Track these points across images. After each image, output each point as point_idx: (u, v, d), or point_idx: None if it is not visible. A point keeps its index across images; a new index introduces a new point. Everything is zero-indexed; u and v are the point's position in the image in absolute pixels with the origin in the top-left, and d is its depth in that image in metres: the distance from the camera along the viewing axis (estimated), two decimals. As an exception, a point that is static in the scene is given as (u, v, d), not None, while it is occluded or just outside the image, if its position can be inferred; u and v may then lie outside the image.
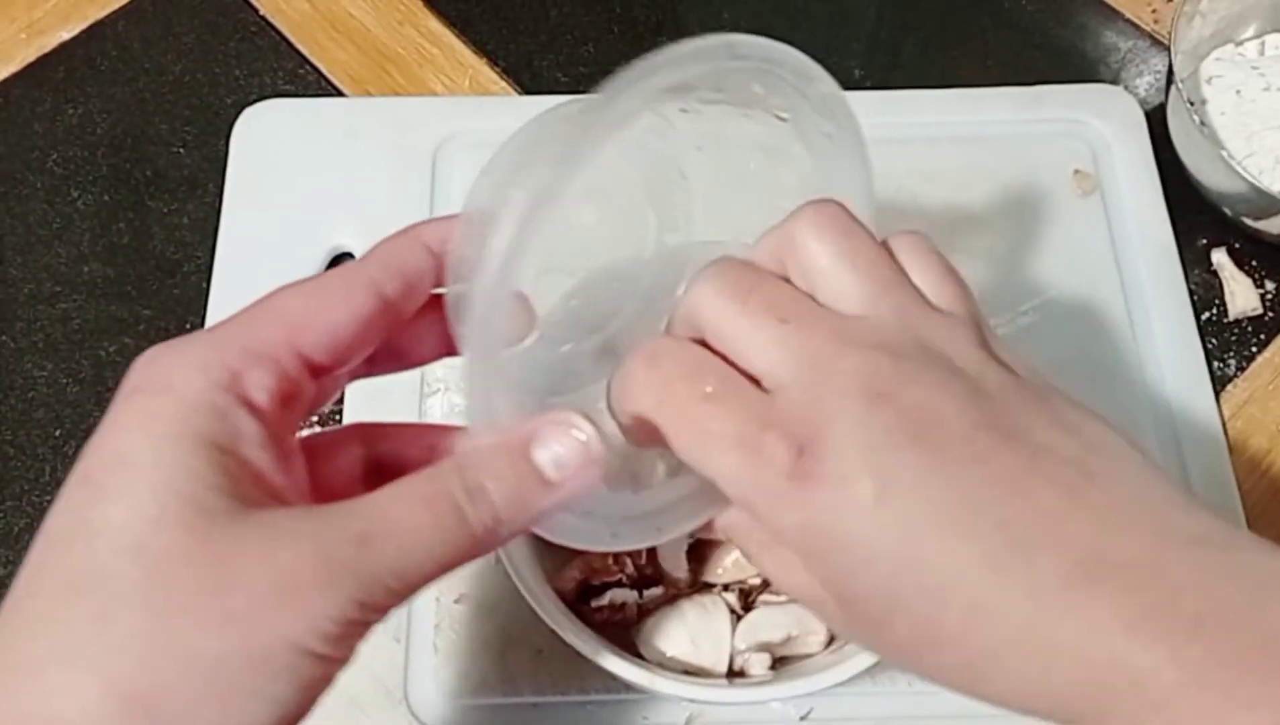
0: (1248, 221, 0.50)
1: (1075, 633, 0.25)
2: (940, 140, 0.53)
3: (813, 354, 0.27)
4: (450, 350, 0.32)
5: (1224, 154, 0.48)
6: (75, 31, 0.57)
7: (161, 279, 0.50)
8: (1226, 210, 0.51)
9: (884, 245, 0.30)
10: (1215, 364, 0.49)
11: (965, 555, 0.25)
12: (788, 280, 0.29)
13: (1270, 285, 0.51)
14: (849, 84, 0.56)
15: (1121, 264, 0.50)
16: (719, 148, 0.34)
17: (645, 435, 0.29)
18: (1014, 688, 0.26)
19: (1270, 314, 0.50)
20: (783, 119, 0.32)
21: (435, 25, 0.57)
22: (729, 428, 0.27)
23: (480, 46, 0.57)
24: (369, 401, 0.46)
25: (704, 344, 0.29)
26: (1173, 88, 0.50)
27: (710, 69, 0.31)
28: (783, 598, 0.39)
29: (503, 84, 0.56)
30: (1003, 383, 0.27)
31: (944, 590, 0.26)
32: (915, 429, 0.26)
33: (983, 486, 0.26)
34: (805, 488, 0.26)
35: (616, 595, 0.39)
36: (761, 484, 0.27)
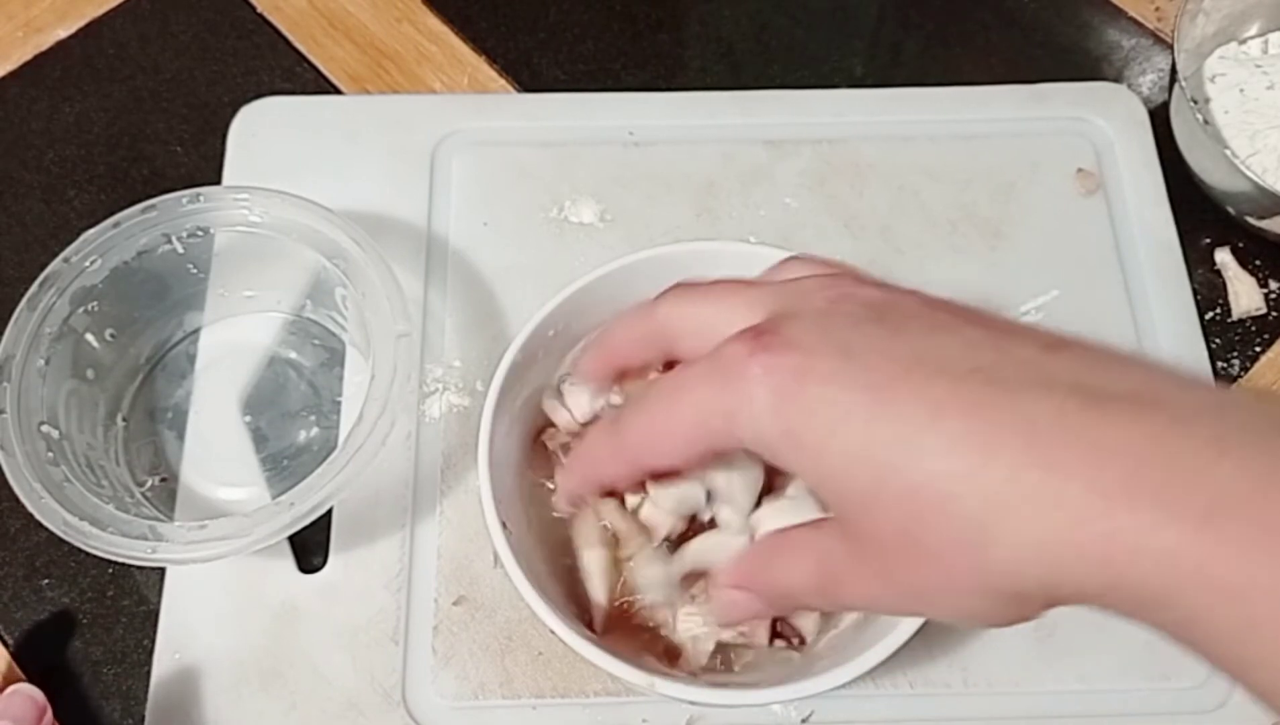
0: (1251, 221, 0.50)
1: (1084, 456, 0.23)
2: (942, 138, 0.53)
3: (773, 294, 0.28)
4: None
5: (1227, 153, 0.47)
6: (72, 30, 0.56)
7: (158, 278, 0.50)
8: (1230, 209, 0.50)
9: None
10: (1219, 364, 0.49)
11: (941, 400, 0.24)
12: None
13: (1274, 285, 0.51)
14: (851, 81, 0.56)
15: (1125, 263, 0.50)
16: None
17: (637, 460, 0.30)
18: (1023, 551, 0.23)
19: (1274, 314, 0.50)
20: None
21: (434, 23, 0.57)
22: (700, 367, 0.27)
23: (479, 44, 0.56)
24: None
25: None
26: (1176, 86, 0.50)
27: None
28: None
29: (501, 82, 0.55)
30: (948, 298, 0.28)
31: (925, 440, 0.24)
32: (877, 313, 0.26)
33: (952, 346, 0.25)
34: (765, 351, 0.26)
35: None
36: (725, 377, 0.26)
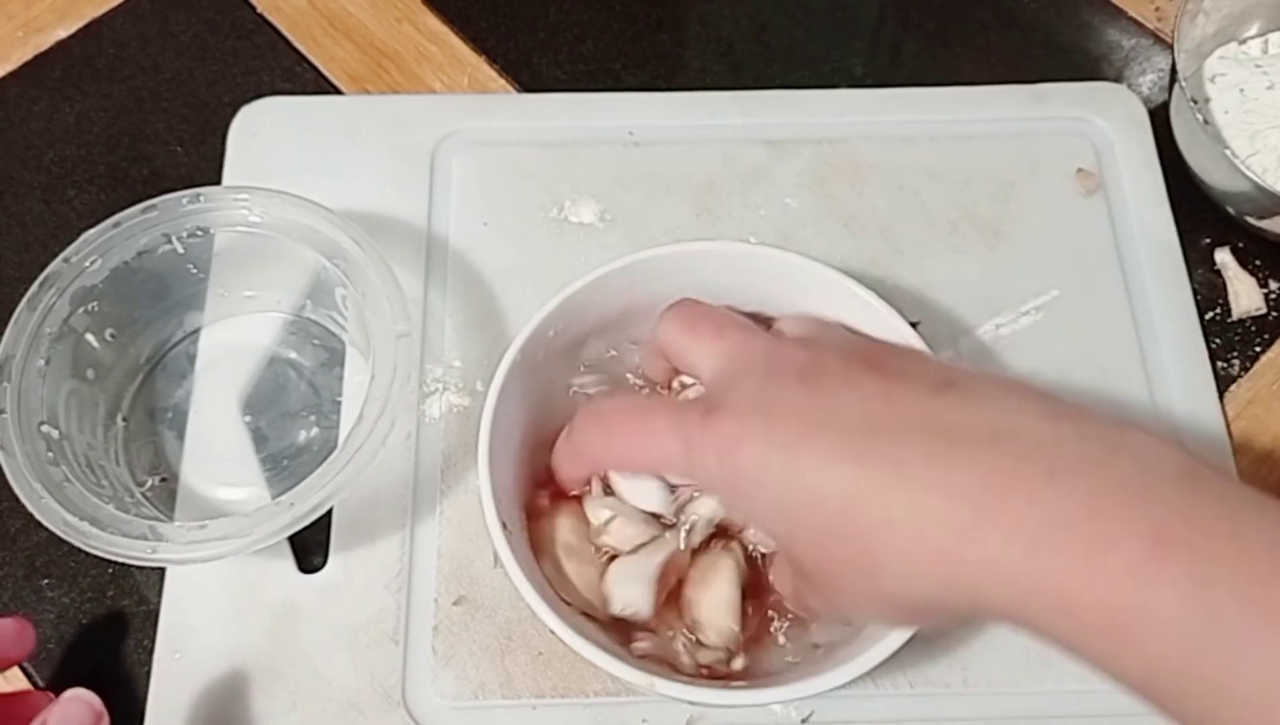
0: (1251, 221, 0.50)
1: (939, 495, 0.27)
2: (942, 138, 0.53)
3: (732, 350, 0.34)
4: None
5: (1227, 153, 0.47)
6: (72, 30, 0.56)
7: (158, 278, 0.50)
8: (1230, 209, 0.50)
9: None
10: (1219, 364, 0.49)
11: (835, 451, 0.29)
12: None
13: (1274, 285, 0.51)
14: (851, 81, 0.56)
15: (1125, 263, 0.50)
16: None
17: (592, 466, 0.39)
18: (904, 576, 0.28)
19: (1274, 314, 0.50)
20: None
21: (434, 23, 0.57)
22: (666, 419, 0.33)
23: (479, 44, 0.56)
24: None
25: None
26: (1176, 86, 0.50)
27: None
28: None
29: (501, 82, 0.55)
30: (876, 344, 0.36)
31: (822, 486, 0.29)
32: (800, 375, 0.32)
33: (851, 401, 0.30)
34: (712, 423, 0.31)
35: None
36: (686, 440, 0.32)
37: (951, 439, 0.28)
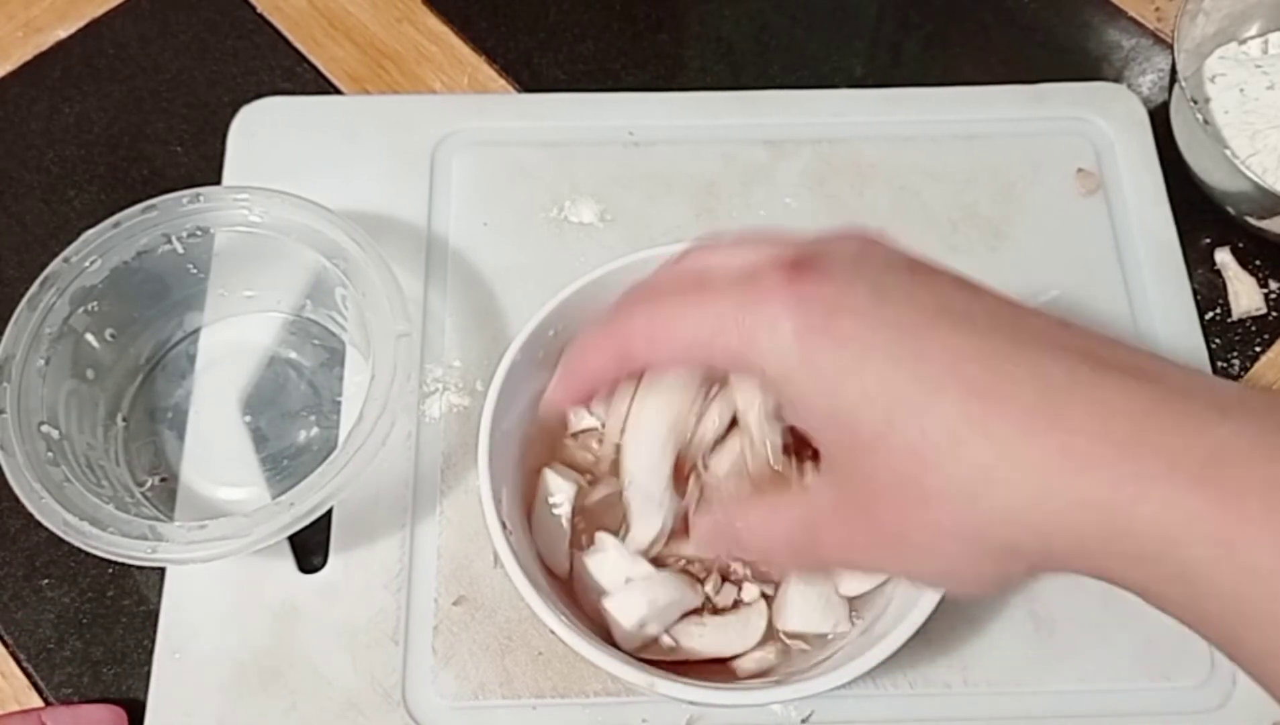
0: (1251, 221, 0.50)
1: (1094, 412, 0.24)
2: (943, 138, 0.53)
3: (812, 244, 0.29)
4: None
5: (1227, 153, 0.47)
6: (72, 30, 0.56)
7: (158, 278, 0.50)
8: (1230, 209, 0.50)
9: None
10: (1219, 364, 0.49)
11: (962, 345, 0.25)
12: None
13: (1274, 285, 0.51)
14: (851, 81, 0.56)
15: (1125, 263, 0.50)
16: None
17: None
18: (1023, 494, 0.24)
19: (1274, 314, 0.50)
20: None
21: (434, 23, 0.57)
22: (724, 282, 0.28)
23: (479, 44, 0.56)
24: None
25: None
26: (1176, 86, 0.50)
27: None
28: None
29: (501, 82, 0.55)
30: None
31: (944, 377, 0.25)
32: (906, 264, 0.28)
33: (975, 303, 0.27)
34: (802, 282, 0.27)
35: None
36: (745, 303, 0.27)
37: (1098, 363, 0.25)
